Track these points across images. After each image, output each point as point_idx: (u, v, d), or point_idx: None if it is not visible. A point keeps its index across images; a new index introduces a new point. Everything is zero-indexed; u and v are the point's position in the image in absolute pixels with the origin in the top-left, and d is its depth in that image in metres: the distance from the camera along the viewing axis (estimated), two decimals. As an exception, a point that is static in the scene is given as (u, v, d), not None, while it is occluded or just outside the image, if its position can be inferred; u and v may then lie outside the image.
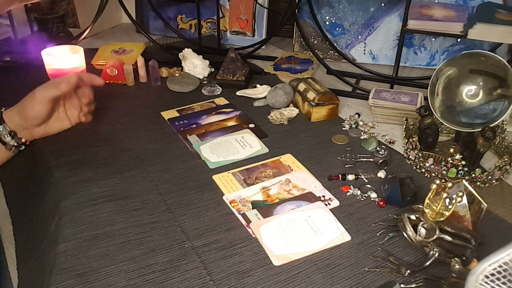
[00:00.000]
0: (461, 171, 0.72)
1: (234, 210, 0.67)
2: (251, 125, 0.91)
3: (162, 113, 0.96)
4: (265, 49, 1.32)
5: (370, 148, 0.83)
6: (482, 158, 0.76)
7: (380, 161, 0.76)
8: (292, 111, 0.93)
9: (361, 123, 0.92)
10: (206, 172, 0.77)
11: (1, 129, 0.73)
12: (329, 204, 0.69)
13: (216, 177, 0.75)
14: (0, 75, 1.10)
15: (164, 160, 0.79)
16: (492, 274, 0.39)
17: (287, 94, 0.97)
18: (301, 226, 0.64)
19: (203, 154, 0.81)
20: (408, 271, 0.55)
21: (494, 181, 0.73)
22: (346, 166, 0.78)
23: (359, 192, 0.71)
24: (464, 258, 0.56)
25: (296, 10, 1.19)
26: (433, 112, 0.79)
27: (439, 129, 0.81)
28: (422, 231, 0.57)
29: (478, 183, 0.72)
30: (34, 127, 0.77)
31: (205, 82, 1.09)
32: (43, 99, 0.74)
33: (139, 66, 1.09)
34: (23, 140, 0.77)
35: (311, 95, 0.93)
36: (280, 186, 0.73)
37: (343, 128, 0.90)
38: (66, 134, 0.81)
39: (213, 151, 0.82)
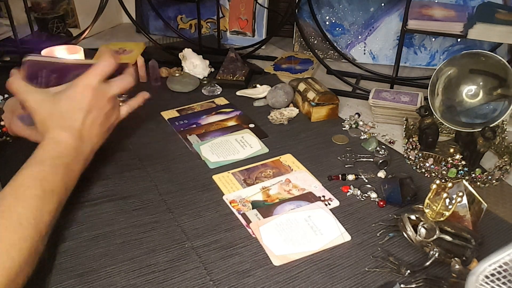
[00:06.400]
0: (461, 171, 0.72)
1: (234, 210, 0.67)
2: (251, 125, 0.91)
3: (162, 113, 0.96)
4: (265, 49, 1.32)
5: (370, 148, 0.83)
6: (482, 158, 0.76)
7: (380, 161, 0.76)
8: (292, 111, 0.93)
9: (361, 123, 0.92)
10: (206, 172, 0.77)
11: None
12: (329, 204, 0.69)
13: (216, 177, 0.75)
14: (0, 75, 1.09)
15: (164, 160, 0.79)
16: (492, 274, 0.39)
17: (287, 94, 0.97)
18: (301, 226, 0.64)
19: (203, 154, 0.81)
20: (408, 271, 0.55)
21: (494, 181, 0.73)
22: (346, 166, 0.78)
23: (359, 192, 0.71)
24: (464, 258, 0.56)
25: (296, 10, 1.19)
26: (433, 112, 0.79)
27: (439, 129, 0.81)
28: (422, 231, 0.57)
29: (478, 183, 0.72)
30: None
31: (205, 82, 1.09)
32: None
33: (139, 66, 1.09)
34: None
35: (311, 95, 0.93)
36: (280, 186, 0.73)
37: (343, 128, 0.90)
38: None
39: (213, 151, 0.82)
